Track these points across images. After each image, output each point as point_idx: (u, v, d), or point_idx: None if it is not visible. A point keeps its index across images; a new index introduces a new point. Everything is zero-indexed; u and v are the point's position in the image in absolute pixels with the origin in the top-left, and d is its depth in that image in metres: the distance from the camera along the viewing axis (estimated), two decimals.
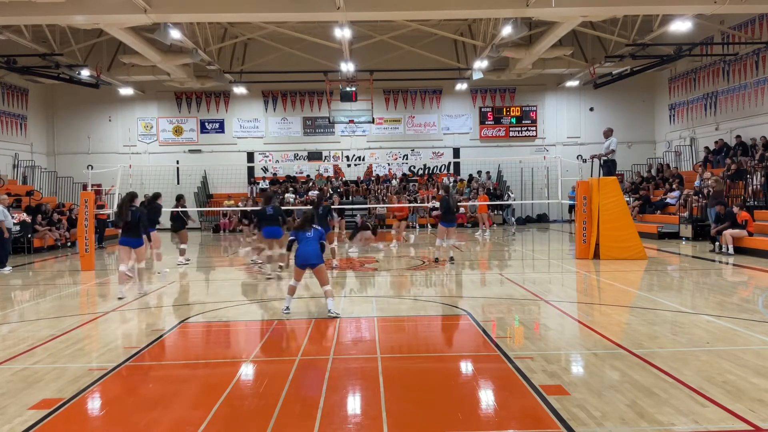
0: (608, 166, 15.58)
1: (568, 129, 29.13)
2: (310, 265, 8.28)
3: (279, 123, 29.24)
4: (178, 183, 27.78)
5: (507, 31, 18.51)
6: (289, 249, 8.72)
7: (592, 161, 16.17)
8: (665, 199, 21.61)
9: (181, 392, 5.51)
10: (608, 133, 15.90)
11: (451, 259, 14.12)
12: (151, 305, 9.67)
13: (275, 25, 22.94)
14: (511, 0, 16.69)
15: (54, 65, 21.99)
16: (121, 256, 10.36)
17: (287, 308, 8.42)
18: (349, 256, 15.52)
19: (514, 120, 29.21)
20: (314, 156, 28.95)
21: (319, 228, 8.56)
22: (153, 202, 13.31)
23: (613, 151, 15.55)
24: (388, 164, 29.53)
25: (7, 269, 14.24)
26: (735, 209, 15.31)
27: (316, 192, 26.52)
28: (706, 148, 23.07)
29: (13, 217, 16.56)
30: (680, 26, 18.81)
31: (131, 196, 10.38)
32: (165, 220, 15.32)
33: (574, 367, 5.96)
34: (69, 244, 19.98)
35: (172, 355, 6.93)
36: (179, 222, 15.12)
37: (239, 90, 27.43)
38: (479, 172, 28.64)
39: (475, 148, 29.12)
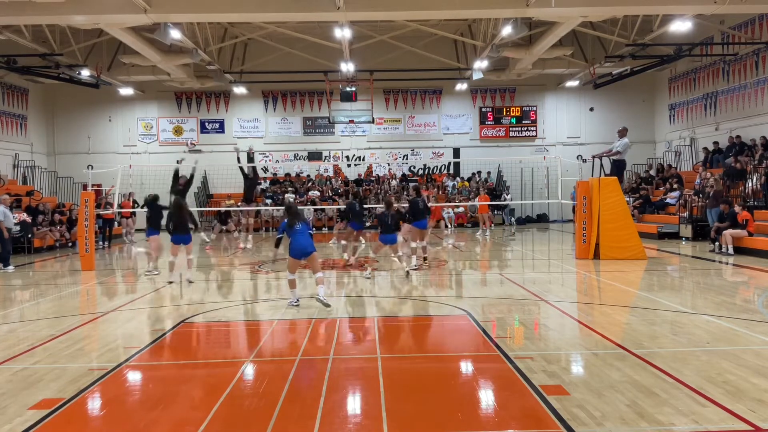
0: (617, 166, 15.55)
1: (568, 129, 29.10)
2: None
3: (279, 123, 29.22)
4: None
5: (507, 31, 18.50)
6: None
7: (593, 161, 16.16)
8: (665, 199, 21.60)
9: (181, 392, 5.51)
10: (622, 133, 15.87)
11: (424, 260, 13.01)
12: (150, 305, 9.68)
13: (275, 25, 22.91)
14: (511, 0, 16.70)
15: (54, 65, 21.95)
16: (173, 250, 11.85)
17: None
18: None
19: (514, 120, 29.17)
20: (314, 156, 28.92)
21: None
22: (152, 204, 13.20)
23: (618, 152, 15.52)
24: (388, 164, 29.48)
25: (10, 268, 14.35)
26: (737, 209, 15.31)
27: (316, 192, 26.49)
28: (705, 148, 23.07)
29: (13, 217, 16.59)
30: (680, 26, 18.79)
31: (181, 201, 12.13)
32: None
33: (574, 367, 5.96)
34: (69, 244, 19.98)
35: (172, 355, 6.92)
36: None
37: (239, 90, 27.41)
38: (479, 172, 28.62)
39: (475, 148, 29.08)
